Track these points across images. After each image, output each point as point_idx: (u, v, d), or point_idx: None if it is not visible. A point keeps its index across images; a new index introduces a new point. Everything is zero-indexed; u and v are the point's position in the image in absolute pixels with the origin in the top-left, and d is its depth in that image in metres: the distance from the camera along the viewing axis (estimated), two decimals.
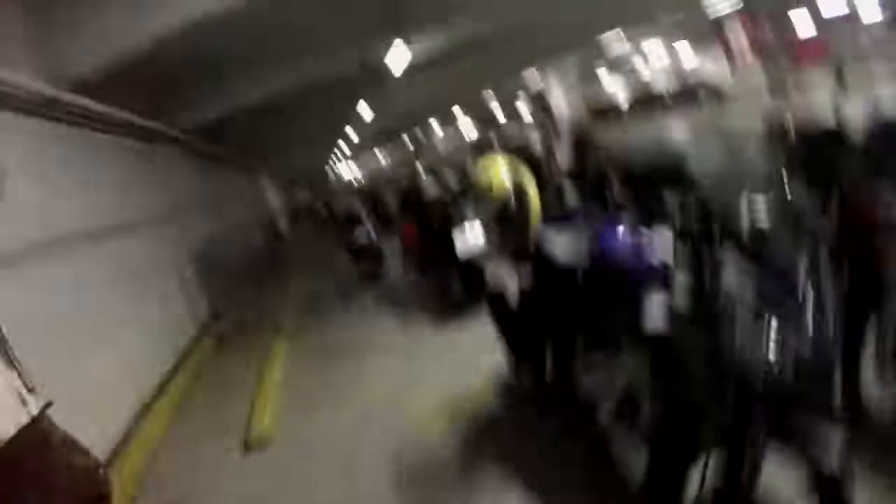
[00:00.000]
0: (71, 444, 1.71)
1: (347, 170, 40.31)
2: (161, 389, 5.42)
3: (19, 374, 1.63)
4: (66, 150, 5.48)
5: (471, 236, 4.97)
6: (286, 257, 15.00)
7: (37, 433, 1.60)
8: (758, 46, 16.63)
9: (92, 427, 3.99)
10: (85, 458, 1.74)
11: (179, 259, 8.02)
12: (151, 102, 7.97)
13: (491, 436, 3.18)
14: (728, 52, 18.09)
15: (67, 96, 5.22)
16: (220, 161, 13.83)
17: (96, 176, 6.08)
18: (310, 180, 34.75)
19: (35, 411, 1.62)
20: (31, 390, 1.65)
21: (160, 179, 8.42)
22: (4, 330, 1.68)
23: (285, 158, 23.49)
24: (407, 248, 6.86)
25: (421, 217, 6.20)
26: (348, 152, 33.78)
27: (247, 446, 4.16)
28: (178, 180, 9.59)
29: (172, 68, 7.00)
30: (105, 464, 1.74)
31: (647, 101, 18.55)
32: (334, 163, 39.46)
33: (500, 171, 3.16)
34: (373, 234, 7.95)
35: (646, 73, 23.80)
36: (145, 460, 4.35)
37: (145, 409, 4.96)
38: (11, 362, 1.62)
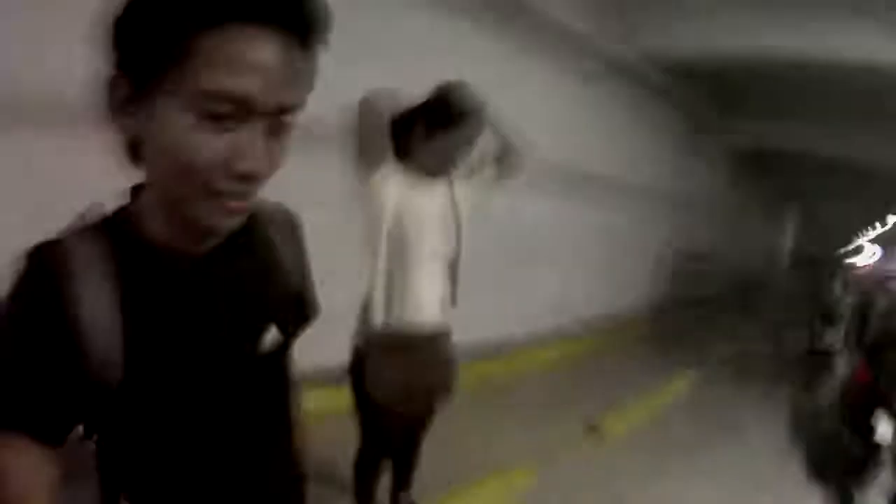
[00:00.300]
0: (449, 356, 2.28)
1: (867, 255, 34.58)
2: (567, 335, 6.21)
3: (452, 287, 2.18)
4: (613, 99, 6.48)
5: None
6: (761, 301, 14.00)
7: (432, 336, 2.17)
8: None
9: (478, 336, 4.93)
10: (449, 375, 2.30)
11: (666, 243, 8.98)
12: (709, 99, 8.55)
13: None
14: None
15: (641, 64, 6.23)
16: (751, 180, 14.01)
17: (639, 142, 7.27)
18: (827, 244, 32.25)
19: (446, 321, 2.19)
20: (453, 303, 2.22)
21: (690, 167, 9.29)
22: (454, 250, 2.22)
23: (815, 210, 22.43)
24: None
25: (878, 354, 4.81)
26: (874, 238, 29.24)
27: (585, 427, 4.43)
28: (708, 176, 10.39)
29: (745, 80, 7.27)
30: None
31: None
32: (860, 241, 34.95)
33: None
34: (840, 343, 6.81)
35: None
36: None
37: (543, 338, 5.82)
38: (454, 278, 2.17)
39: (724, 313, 10.93)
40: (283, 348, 0.88)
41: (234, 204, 0.71)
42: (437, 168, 2.11)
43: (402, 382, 2.12)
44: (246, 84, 0.64)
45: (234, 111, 0.65)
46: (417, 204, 2.08)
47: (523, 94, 5.04)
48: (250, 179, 0.69)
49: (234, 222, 0.73)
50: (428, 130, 2.04)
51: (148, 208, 0.75)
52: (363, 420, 2.30)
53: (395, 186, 2.04)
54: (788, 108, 8.62)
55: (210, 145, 0.65)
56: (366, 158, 2.02)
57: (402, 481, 2.72)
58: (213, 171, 0.67)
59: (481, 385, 4.66)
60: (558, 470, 3.69)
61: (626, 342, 7.23)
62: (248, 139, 0.67)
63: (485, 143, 2.20)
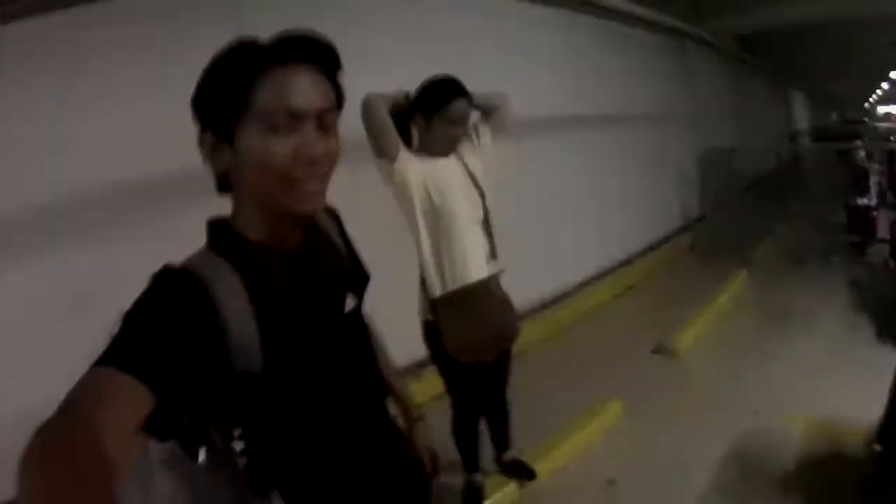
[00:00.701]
0: (505, 297, 2.47)
1: (887, 110, 33.79)
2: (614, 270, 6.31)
3: (490, 242, 2.38)
4: (595, 41, 6.49)
5: None
6: (790, 186, 13.70)
7: (486, 286, 2.37)
8: None
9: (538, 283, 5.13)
10: (511, 313, 2.50)
11: (683, 157, 8.76)
12: (688, 3, 8.43)
13: None
14: None
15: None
16: (749, 69, 13.77)
17: (618, 66, 7.01)
18: (843, 110, 32.22)
19: (493, 271, 2.39)
20: (493, 256, 2.41)
21: (682, 79, 9.07)
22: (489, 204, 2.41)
23: (821, 82, 21.94)
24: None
25: None
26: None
27: (656, 350, 4.58)
28: (702, 83, 10.08)
29: None
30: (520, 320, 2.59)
31: None
32: (874, 102, 34.12)
33: None
34: (874, 199, 6.80)
35: None
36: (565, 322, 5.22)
37: (594, 280, 5.97)
38: (490, 233, 2.37)
39: (759, 205, 10.86)
40: (359, 307, 1.14)
41: (310, 189, 0.93)
42: (443, 147, 2.35)
43: (473, 333, 2.34)
44: (292, 101, 0.90)
45: (289, 120, 0.90)
46: (439, 179, 2.30)
47: (520, 62, 5.10)
48: (314, 163, 0.92)
49: (316, 206, 0.95)
50: (426, 119, 2.31)
51: (246, 221, 0.97)
52: (451, 384, 2.52)
53: (415, 169, 2.26)
54: None
55: (280, 146, 0.90)
56: (383, 151, 2.24)
57: (502, 439, 2.94)
58: (286, 164, 0.90)
59: (543, 338, 4.82)
60: (642, 395, 3.83)
61: (671, 263, 7.25)
62: (304, 136, 0.92)
63: (475, 115, 2.49)
